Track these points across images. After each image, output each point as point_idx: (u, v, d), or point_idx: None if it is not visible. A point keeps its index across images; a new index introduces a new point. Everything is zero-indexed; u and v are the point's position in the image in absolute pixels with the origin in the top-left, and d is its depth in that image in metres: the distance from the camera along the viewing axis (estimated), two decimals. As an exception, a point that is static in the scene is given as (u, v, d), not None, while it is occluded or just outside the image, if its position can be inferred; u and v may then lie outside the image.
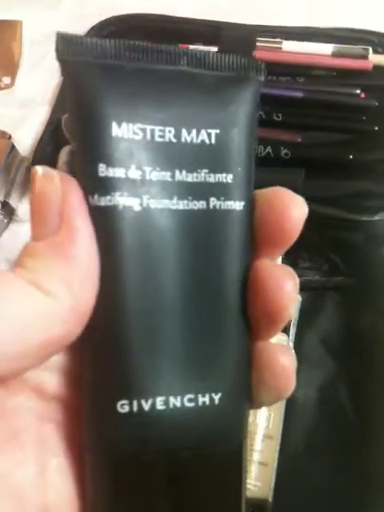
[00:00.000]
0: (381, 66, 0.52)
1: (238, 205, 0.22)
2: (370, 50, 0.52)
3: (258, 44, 0.53)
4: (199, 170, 0.21)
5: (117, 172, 0.20)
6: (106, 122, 0.20)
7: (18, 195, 0.50)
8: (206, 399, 0.20)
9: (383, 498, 0.37)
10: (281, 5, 0.57)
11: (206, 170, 0.22)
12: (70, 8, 0.60)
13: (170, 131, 0.21)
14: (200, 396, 0.20)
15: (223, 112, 0.22)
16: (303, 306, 0.43)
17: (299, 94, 0.50)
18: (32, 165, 0.50)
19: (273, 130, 0.49)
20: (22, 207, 0.51)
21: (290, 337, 0.41)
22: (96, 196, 0.20)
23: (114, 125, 0.20)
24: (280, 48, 0.53)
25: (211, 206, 0.22)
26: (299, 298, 0.43)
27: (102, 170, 0.20)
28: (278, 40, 0.53)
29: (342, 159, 0.47)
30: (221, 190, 0.22)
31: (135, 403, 0.19)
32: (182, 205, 0.21)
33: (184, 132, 0.21)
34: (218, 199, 0.22)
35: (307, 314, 0.43)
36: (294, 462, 0.38)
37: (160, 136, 0.21)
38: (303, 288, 0.44)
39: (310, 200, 0.44)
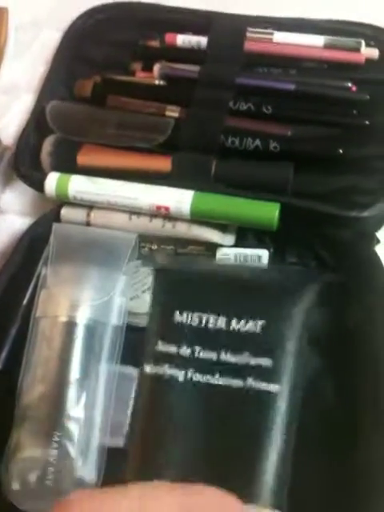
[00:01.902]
0: (373, 59, 0.51)
1: (272, 387, 0.27)
2: (363, 42, 0.51)
3: (248, 35, 0.52)
4: (242, 353, 0.27)
5: (171, 348, 0.29)
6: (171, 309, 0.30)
7: (0, 185, 0.49)
8: None
9: (370, 496, 0.36)
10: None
11: (247, 353, 0.27)
12: (57, -5, 0.58)
13: (222, 320, 0.29)
14: None
15: (272, 305, 0.29)
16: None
17: (291, 87, 0.49)
18: (15, 154, 0.49)
19: (262, 123, 0.48)
20: (5, 197, 0.50)
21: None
22: (150, 365, 0.30)
23: (177, 312, 0.30)
24: (271, 39, 0.52)
25: (248, 385, 0.27)
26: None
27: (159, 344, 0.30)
28: (269, 31, 0.52)
29: (331, 154, 0.46)
30: (259, 372, 0.27)
31: None
32: (222, 381, 0.27)
33: (234, 321, 0.29)
34: (255, 380, 0.27)
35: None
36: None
37: (213, 323, 0.29)
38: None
39: (298, 195, 0.45)
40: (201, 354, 0.27)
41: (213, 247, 0.45)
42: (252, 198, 0.43)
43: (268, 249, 0.45)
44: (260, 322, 0.29)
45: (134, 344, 0.42)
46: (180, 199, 0.43)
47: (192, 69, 0.51)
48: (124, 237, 0.43)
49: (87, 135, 0.47)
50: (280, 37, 0.52)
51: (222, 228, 0.45)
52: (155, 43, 0.53)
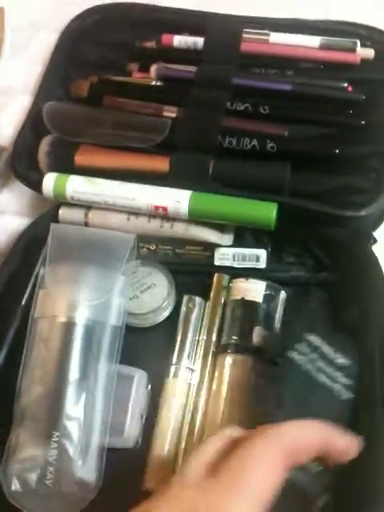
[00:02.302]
0: (369, 59, 0.51)
1: None
2: (358, 43, 0.51)
3: (244, 36, 0.52)
4: None
5: None
6: None
7: (-3, 185, 0.49)
8: None
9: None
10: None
11: None
12: (53, -5, 0.58)
13: None
14: None
15: None
16: (288, 302, 0.43)
17: (287, 87, 0.49)
18: (12, 154, 0.49)
19: (259, 123, 0.48)
20: (2, 197, 0.50)
21: (273, 333, 0.40)
22: None
23: None
24: (267, 40, 0.52)
25: None
26: (284, 294, 0.42)
27: None
28: (265, 32, 0.52)
29: (328, 153, 0.46)
30: None
31: None
32: None
33: None
34: None
35: (292, 309, 0.43)
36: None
37: None
38: (288, 283, 0.44)
39: (295, 195, 0.45)
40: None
41: (211, 247, 0.45)
42: (249, 197, 0.43)
43: (266, 248, 0.45)
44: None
45: (133, 344, 0.42)
46: (178, 199, 0.43)
47: (189, 69, 0.51)
48: (122, 237, 0.43)
49: (84, 135, 0.47)
50: (276, 37, 0.52)
51: (220, 228, 0.45)
52: (152, 44, 0.54)
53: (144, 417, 0.40)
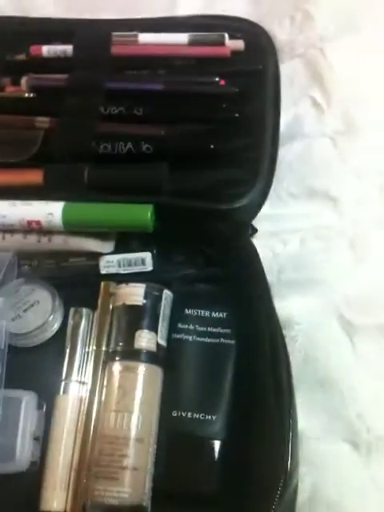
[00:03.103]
0: (240, 50, 0.52)
1: None
2: (227, 35, 0.51)
3: (114, 39, 0.51)
4: None
5: None
6: None
7: None
8: None
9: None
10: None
11: None
12: None
13: None
14: None
15: None
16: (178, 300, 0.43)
17: (159, 87, 0.49)
18: None
19: (136, 126, 0.48)
20: None
21: (160, 332, 0.40)
22: None
23: None
24: (136, 41, 0.51)
25: None
26: (168, 292, 0.42)
27: None
28: (134, 33, 0.52)
29: (204, 149, 0.46)
30: None
31: None
32: None
33: None
34: None
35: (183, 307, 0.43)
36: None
37: None
38: (176, 283, 0.44)
39: (176, 194, 0.45)
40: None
41: (95, 256, 0.44)
42: (125, 202, 0.43)
43: (151, 251, 0.44)
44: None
45: (23, 365, 0.41)
46: (50, 212, 0.42)
47: (59, 77, 0.50)
48: None
49: None
50: (145, 38, 0.52)
51: (101, 236, 0.44)
52: (22, 57, 0.52)
53: (40, 438, 0.39)
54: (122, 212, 0.42)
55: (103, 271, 0.44)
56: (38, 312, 0.42)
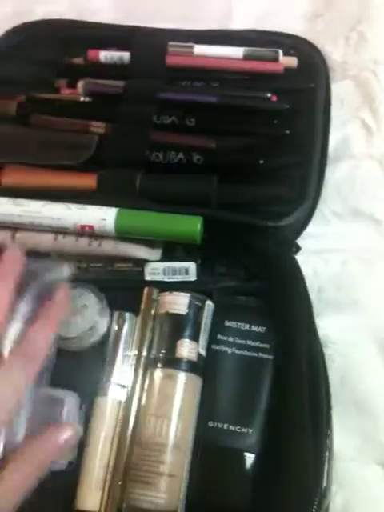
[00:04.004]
0: (292, 67, 0.52)
1: None
2: (281, 52, 0.52)
3: (169, 49, 0.52)
4: None
5: None
6: None
7: None
8: None
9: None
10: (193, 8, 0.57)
11: None
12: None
13: None
14: None
15: None
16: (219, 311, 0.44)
17: (213, 99, 0.50)
18: None
19: (186, 136, 0.49)
20: None
21: (201, 342, 0.41)
22: None
23: None
24: (192, 52, 0.52)
25: None
26: (211, 303, 0.43)
27: None
28: (190, 44, 0.53)
29: (253, 164, 0.47)
30: None
31: None
32: None
33: None
34: None
35: (224, 319, 0.44)
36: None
37: None
38: (217, 294, 0.44)
39: (223, 206, 0.45)
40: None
41: (141, 263, 0.45)
42: (176, 212, 0.44)
43: (195, 261, 0.45)
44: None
45: (67, 368, 0.41)
46: (103, 217, 0.43)
47: (116, 84, 0.51)
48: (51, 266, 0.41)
49: (11, 155, 0.47)
50: (200, 50, 0.52)
51: (149, 243, 0.45)
52: (79, 60, 0.54)
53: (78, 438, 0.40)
54: (173, 222, 0.43)
55: (148, 278, 0.45)
56: (86, 316, 0.43)
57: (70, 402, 0.40)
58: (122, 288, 0.45)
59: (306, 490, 0.35)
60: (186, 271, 0.45)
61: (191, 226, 0.43)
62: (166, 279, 0.45)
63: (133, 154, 0.47)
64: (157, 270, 0.45)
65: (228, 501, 0.38)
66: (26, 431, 0.37)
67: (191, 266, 0.45)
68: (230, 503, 0.38)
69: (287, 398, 0.39)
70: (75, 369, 0.42)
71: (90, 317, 0.42)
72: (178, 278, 0.45)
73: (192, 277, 0.45)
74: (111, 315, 0.44)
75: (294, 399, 0.39)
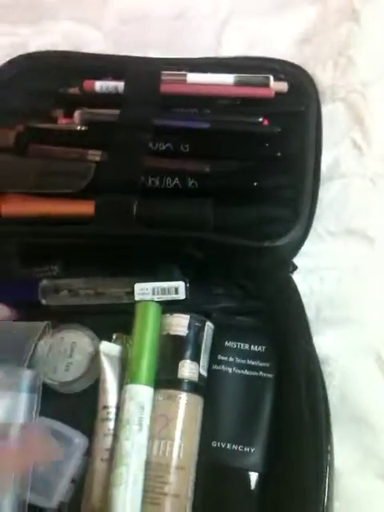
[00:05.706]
0: (283, 91, 0.53)
1: None
2: (271, 77, 0.53)
3: (163, 78, 0.54)
4: None
5: None
6: None
7: None
8: None
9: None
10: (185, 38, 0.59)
11: None
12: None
13: None
14: None
15: None
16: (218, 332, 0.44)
17: (206, 125, 0.51)
18: None
19: (181, 161, 0.50)
20: None
21: (202, 363, 0.42)
22: None
23: None
24: (185, 80, 0.54)
25: None
26: (210, 324, 0.44)
27: None
28: (183, 72, 0.54)
29: (247, 186, 0.48)
30: None
31: None
32: None
33: None
34: None
35: (224, 339, 0.44)
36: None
37: None
38: (216, 315, 0.45)
39: (219, 229, 0.46)
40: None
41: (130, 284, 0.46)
42: (173, 236, 0.45)
43: (184, 281, 0.46)
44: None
45: (72, 409, 0.42)
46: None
47: (111, 112, 0.53)
48: (27, 327, 0.43)
49: (10, 185, 0.48)
50: (193, 77, 0.54)
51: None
52: (75, 90, 0.55)
53: (76, 481, 0.41)
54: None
55: (137, 298, 0.46)
56: (81, 360, 0.44)
57: (79, 446, 0.41)
58: (112, 310, 0.46)
59: (308, 506, 0.35)
60: (176, 290, 0.46)
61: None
62: (155, 299, 0.45)
63: (129, 180, 0.48)
64: (146, 289, 0.46)
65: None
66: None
67: (180, 285, 0.46)
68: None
69: (288, 416, 0.40)
70: (77, 411, 0.43)
71: (85, 359, 0.43)
72: (168, 297, 0.46)
73: (181, 296, 0.46)
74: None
75: (295, 417, 0.39)
